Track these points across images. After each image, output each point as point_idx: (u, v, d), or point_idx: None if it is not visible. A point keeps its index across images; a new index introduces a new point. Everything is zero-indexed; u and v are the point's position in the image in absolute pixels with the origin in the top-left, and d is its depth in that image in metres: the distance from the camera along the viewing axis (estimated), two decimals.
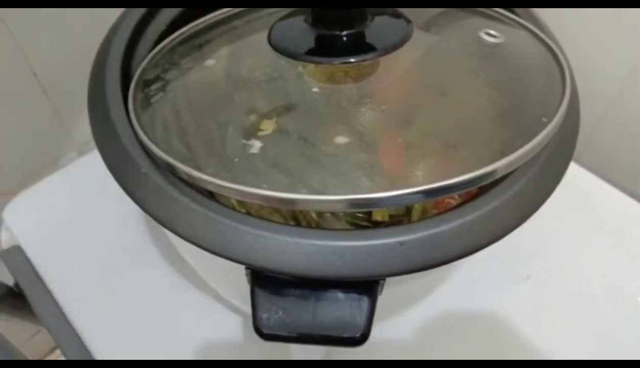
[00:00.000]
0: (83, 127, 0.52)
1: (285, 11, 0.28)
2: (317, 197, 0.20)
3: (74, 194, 0.44)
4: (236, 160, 0.22)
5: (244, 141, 0.22)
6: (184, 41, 0.30)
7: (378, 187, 0.20)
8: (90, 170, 0.45)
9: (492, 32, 0.26)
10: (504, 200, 0.22)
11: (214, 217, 0.21)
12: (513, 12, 0.29)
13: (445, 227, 0.21)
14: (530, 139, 0.21)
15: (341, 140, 0.22)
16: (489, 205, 0.22)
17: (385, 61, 0.25)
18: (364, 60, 0.24)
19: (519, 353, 0.36)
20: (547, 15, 0.30)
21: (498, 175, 0.20)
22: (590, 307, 0.38)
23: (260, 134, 0.22)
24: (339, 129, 0.22)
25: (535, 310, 0.38)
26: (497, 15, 0.28)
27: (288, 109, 0.23)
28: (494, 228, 0.22)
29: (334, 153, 0.21)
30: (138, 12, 0.30)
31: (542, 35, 0.26)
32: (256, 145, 0.22)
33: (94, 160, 0.28)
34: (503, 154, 0.20)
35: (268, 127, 0.22)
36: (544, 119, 0.21)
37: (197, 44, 0.30)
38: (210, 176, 0.21)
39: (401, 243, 0.21)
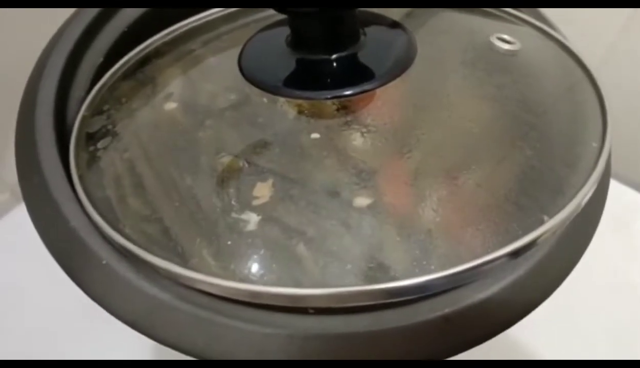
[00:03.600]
0: (12, 165, 0.45)
1: (244, 32, 0.23)
2: (350, 289, 0.15)
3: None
4: (229, 243, 0.17)
5: (235, 215, 0.17)
6: (128, 74, 0.24)
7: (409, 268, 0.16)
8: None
9: (505, 36, 0.22)
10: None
11: (210, 318, 0.17)
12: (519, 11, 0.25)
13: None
14: (572, 196, 0.17)
15: (362, 201, 0.17)
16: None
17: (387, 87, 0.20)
18: (362, 92, 0.20)
19: (518, 354, 0.34)
20: None
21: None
22: (596, 302, 0.37)
23: (255, 203, 0.17)
24: (356, 188, 0.17)
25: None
26: (502, 14, 0.24)
27: (284, 163, 0.18)
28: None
29: (355, 219, 0.17)
30: (67, 45, 0.24)
31: (563, 40, 0.22)
32: (252, 219, 0.17)
33: None
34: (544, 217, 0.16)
35: (264, 192, 0.17)
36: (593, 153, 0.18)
37: (146, 76, 0.24)
38: (201, 272, 0.16)
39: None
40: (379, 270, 0.17)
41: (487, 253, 0.16)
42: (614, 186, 0.41)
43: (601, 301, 0.37)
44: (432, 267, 0.17)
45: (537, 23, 0.24)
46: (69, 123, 0.23)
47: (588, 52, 0.35)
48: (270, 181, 0.18)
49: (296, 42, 0.21)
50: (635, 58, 0.42)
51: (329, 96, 0.20)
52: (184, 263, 0.17)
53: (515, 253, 0.17)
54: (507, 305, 0.19)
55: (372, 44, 0.21)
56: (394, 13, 0.24)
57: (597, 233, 0.37)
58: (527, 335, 0.35)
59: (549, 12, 0.26)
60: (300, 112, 0.21)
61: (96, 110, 0.22)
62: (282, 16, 0.21)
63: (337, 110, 0.21)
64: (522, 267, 0.18)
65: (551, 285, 0.19)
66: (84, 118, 0.22)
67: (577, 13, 0.38)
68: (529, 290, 0.18)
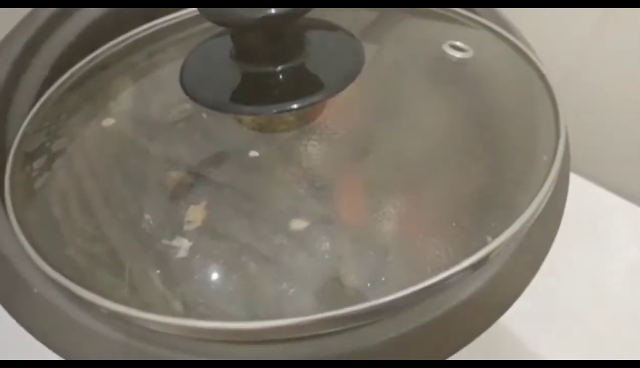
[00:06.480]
0: None
1: (192, 42, 0.22)
2: (290, 321, 0.14)
3: None
4: (157, 271, 0.16)
5: (166, 242, 0.16)
6: (72, 88, 0.23)
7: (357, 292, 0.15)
8: None
9: (458, 43, 0.21)
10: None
11: (143, 349, 0.16)
12: (476, 13, 0.24)
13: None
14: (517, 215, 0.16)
15: (298, 224, 0.16)
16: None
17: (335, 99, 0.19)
18: (310, 104, 0.19)
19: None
20: None
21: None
22: (572, 305, 0.36)
23: (187, 228, 0.16)
24: (292, 210, 0.17)
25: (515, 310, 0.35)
26: (458, 17, 0.23)
27: (219, 185, 0.18)
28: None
29: (292, 244, 0.16)
30: (9, 55, 0.23)
31: (517, 42, 0.21)
32: (183, 245, 0.16)
33: None
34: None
35: (196, 215, 0.17)
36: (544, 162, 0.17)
37: (90, 90, 0.23)
38: (127, 305, 0.15)
39: None
40: (321, 297, 0.16)
41: (432, 276, 0.16)
42: (592, 189, 0.40)
43: (582, 306, 0.36)
44: (376, 293, 0.16)
45: (494, 27, 0.23)
46: (8, 142, 0.22)
47: (560, 55, 0.34)
48: (203, 204, 0.17)
49: (239, 55, 0.20)
50: (610, 56, 0.41)
51: (274, 110, 0.19)
52: (119, 289, 0.17)
53: (461, 274, 0.16)
54: (460, 324, 0.18)
55: (319, 53, 0.20)
56: (351, 21, 0.23)
57: (573, 236, 0.37)
58: (499, 341, 0.34)
59: (514, 18, 0.25)
60: (248, 125, 0.20)
61: (36, 127, 0.21)
62: None
63: (288, 122, 0.20)
64: (472, 286, 0.17)
65: (504, 304, 0.18)
66: (23, 136, 0.21)
67: (547, 18, 0.38)
68: (480, 309, 0.18)
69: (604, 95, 0.41)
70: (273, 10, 0.18)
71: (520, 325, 0.35)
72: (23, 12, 0.25)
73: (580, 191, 0.40)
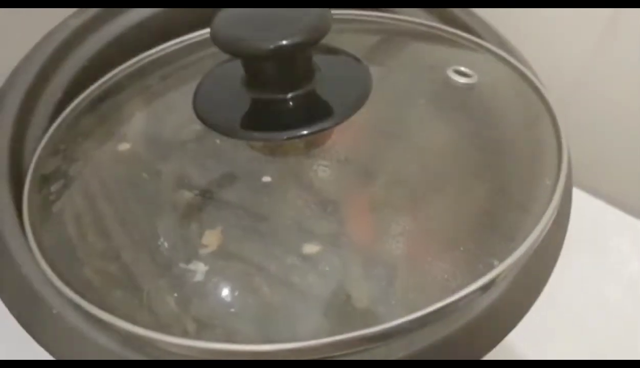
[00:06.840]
0: None
1: (204, 65, 0.23)
2: (304, 344, 0.15)
3: None
4: (175, 294, 0.16)
5: (182, 265, 0.17)
6: (86, 110, 0.24)
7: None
8: None
9: (462, 69, 0.22)
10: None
11: None
12: (480, 37, 0.25)
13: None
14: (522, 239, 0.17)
15: (310, 248, 0.17)
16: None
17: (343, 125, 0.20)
18: (320, 131, 0.19)
19: None
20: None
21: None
22: (573, 319, 0.36)
23: (202, 252, 0.17)
24: (305, 235, 0.17)
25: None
26: (462, 40, 0.24)
27: (233, 209, 0.18)
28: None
29: (305, 266, 0.17)
30: (24, 81, 0.24)
31: (520, 66, 0.22)
32: (200, 269, 0.17)
33: None
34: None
35: (212, 240, 0.17)
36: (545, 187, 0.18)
37: (104, 113, 0.24)
38: (146, 327, 0.15)
39: None
40: (333, 319, 0.17)
41: (441, 299, 0.16)
42: (593, 202, 0.41)
43: (585, 321, 0.36)
44: (387, 315, 0.16)
45: (498, 51, 0.23)
46: (26, 164, 0.22)
47: (563, 66, 0.34)
48: (219, 228, 0.17)
49: (251, 82, 0.21)
50: (612, 68, 0.41)
51: (284, 137, 0.20)
52: (137, 311, 0.17)
53: (469, 297, 0.16)
54: (465, 344, 0.18)
55: (328, 79, 0.21)
56: (358, 47, 0.24)
57: (577, 251, 0.37)
58: (501, 356, 0.35)
59: (515, 36, 0.26)
60: (259, 150, 0.21)
61: (52, 150, 0.22)
62: None
63: (297, 147, 0.21)
64: (478, 307, 0.18)
65: (508, 324, 0.19)
66: (39, 159, 0.22)
67: (550, 32, 0.38)
68: (485, 329, 0.18)
69: (605, 108, 0.42)
70: (284, 41, 0.18)
71: (522, 339, 0.35)
72: (39, 33, 0.26)
73: (582, 205, 0.40)
